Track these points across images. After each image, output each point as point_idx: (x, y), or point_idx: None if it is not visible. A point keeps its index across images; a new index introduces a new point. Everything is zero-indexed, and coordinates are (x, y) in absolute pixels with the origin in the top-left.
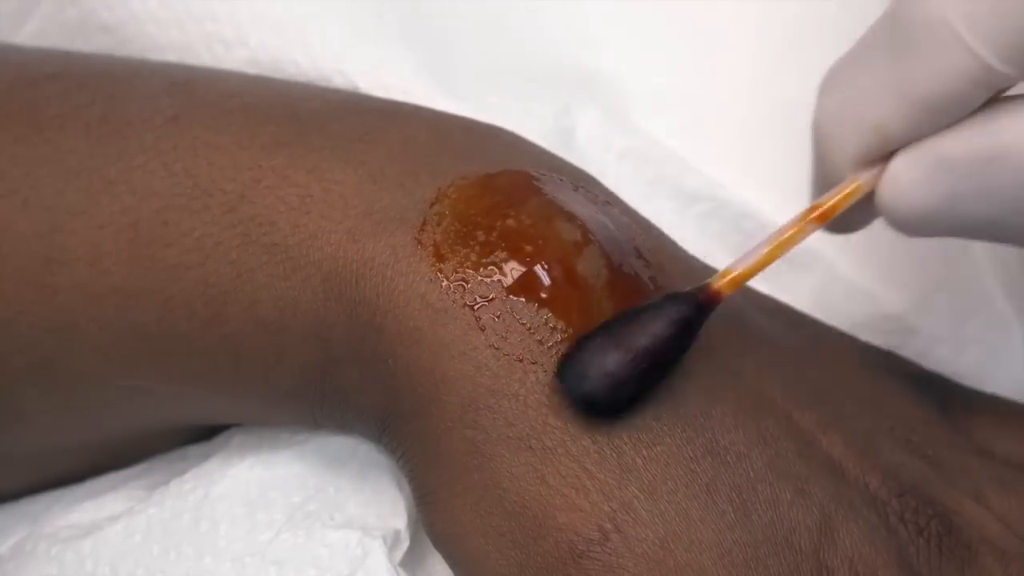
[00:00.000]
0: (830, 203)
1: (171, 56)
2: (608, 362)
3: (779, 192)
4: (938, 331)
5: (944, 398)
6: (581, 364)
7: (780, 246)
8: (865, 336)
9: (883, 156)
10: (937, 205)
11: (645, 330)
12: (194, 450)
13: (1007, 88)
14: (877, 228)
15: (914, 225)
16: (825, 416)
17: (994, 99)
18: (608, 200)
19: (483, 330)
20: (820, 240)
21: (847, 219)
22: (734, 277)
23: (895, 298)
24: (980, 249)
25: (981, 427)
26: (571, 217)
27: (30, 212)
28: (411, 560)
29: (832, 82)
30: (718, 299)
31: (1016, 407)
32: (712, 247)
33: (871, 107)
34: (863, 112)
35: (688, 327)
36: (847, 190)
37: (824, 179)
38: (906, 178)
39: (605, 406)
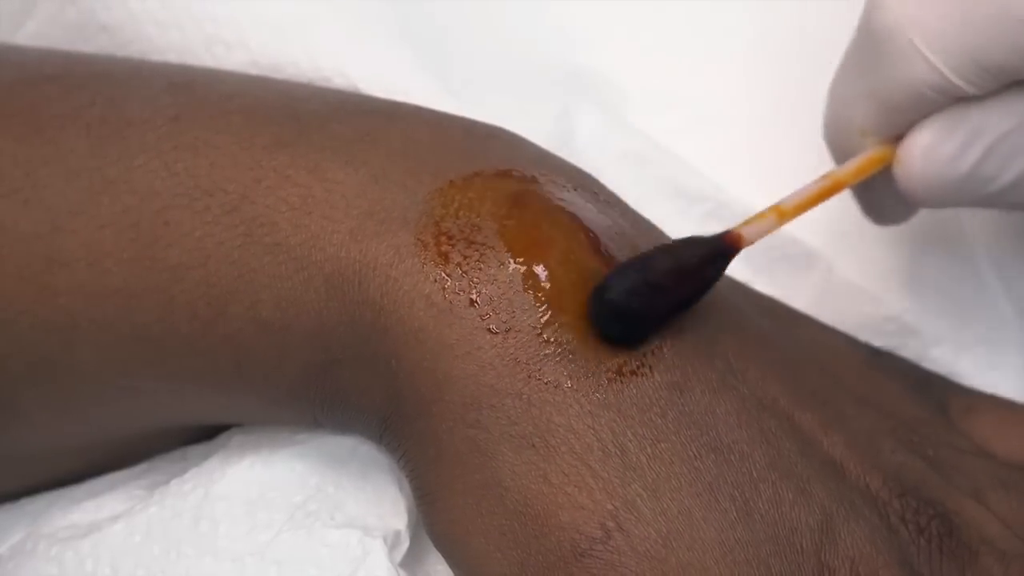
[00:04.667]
0: (848, 170)
1: (171, 57)
2: (633, 297)
3: (780, 193)
4: (938, 331)
5: (944, 398)
6: (607, 296)
7: (803, 204)
8: (865, 336)
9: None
10: (965, 173)
11: (671, 266)
12: (194, 450)
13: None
14: (877, 230)
15: (938, 196)
16: (826, 417)
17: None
18: (608, 201)
19: (488, 330)
20: (820, 241)
21: (885, 207)
22: (758, 226)
23: (895, 298)
24: (980, 249)
25: (982, 427)
26: (572, 218)
27: (31, 212)
28: (411, 560)
29: (831, 91)
30: (739, 244)
31: (1016, 407)
32: None
33: (855, 114)
34: (850, 118)
35: (711, 268)
36: (865, 159)
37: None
38: (939, 150)
39: (624, 336)
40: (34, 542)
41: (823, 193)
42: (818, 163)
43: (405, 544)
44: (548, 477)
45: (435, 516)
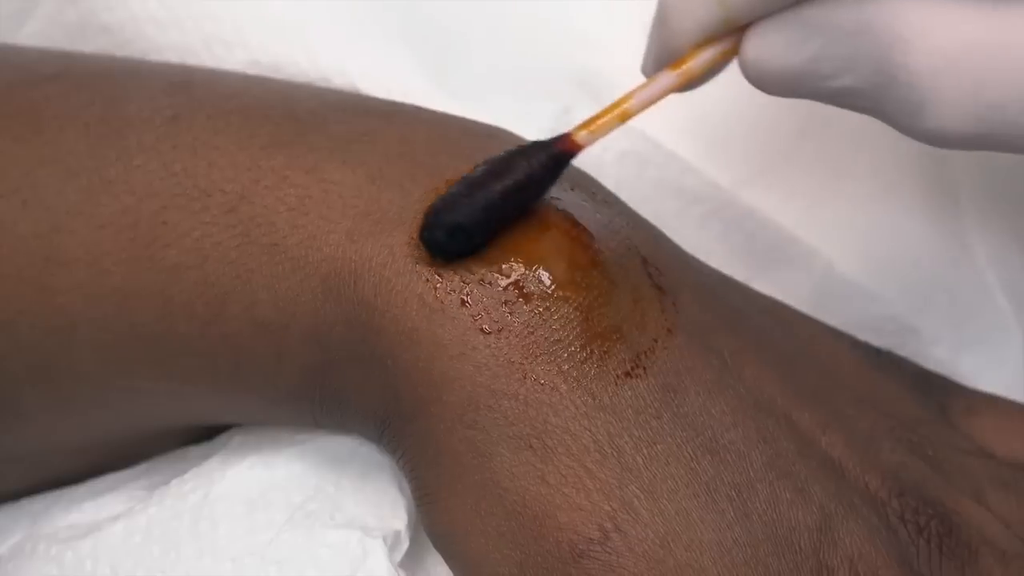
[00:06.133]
0: (692, 62)
1: (171, 57)
2: (458, 212)
3: (780, 191)
4: (938, 331)
5: (944, 398)
6: (436, 214)
7: (649, 101)
8: (865, 336)
9: (726, 30)
10: (799, 67)
11: (499, 179)
12: (194, 450)
13: None
14: (877, 229)
15: (774, 85)
16: (825, 416)
17: None
18: (606, 200)
19: (481, 330)
20: (820, 240)
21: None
22: (593, 128)
23: (895, 298)
24: (980, 249)
25: (981, 427)
26: (566, 217)
27: (30, 212)
28: (411, 560)
29: None
30: (575, 149)
31: (1016, 407)
32: (713, 248)
33: None
34: None
35: (542, 176)
36: (711, 52)
37: (665, 50)
38: (772, 39)
39: (453, 251)
40: (34, 542)
41: (670, 88)
42: (817, 162)
43: (405, 544)
44: (546, 478)
45: (434, 516)
